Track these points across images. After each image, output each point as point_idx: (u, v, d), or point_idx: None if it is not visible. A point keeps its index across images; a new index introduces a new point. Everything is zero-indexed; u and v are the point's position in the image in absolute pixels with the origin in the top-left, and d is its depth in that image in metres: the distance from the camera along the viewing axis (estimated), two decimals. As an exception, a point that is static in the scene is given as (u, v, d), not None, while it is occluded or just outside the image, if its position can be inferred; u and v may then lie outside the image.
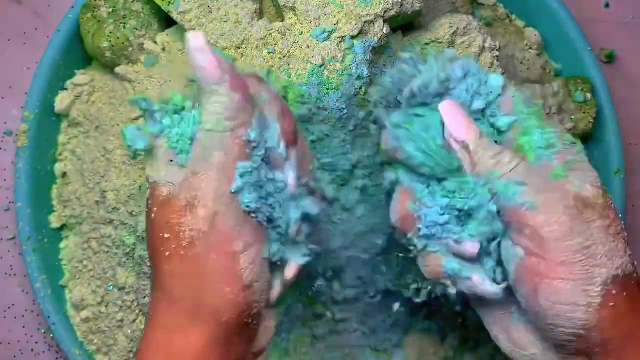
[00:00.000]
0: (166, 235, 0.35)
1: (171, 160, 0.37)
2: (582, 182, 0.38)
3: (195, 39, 0.35)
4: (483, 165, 0.38)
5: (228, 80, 0.36)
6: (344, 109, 0.48)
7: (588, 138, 0.61)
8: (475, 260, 0.39)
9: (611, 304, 0.36)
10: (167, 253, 0.35)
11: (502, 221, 0.38)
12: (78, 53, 0.57)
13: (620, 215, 0.39)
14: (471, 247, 0.38)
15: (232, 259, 0.35)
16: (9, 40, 0.61)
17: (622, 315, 0.36)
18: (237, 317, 0.35)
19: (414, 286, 0.45)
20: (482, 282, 0.39)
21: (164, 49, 0.53)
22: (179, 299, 0.35)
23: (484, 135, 0.39)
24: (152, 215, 0.36)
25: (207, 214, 0.35)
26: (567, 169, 0.39)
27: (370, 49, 0.49)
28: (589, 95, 0.60)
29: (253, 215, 0.36)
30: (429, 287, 0.43)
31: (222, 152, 0.36)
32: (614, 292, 0.36)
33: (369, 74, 0.49)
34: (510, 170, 0.38)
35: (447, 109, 0.40)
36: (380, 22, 0.49)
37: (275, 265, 0.39)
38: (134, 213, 0.53)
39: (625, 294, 0.36)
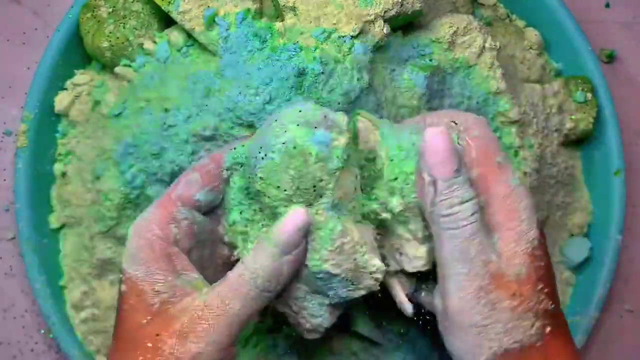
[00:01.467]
0: (148, 344, 0.38)
1: (171, 268, 0.41)
2: (513, 254, 0.40)
3: (298, 217, 0.40)
4: (438, 212, 0.39)
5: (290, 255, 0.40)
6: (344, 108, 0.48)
7: (588, 138, 0.61)
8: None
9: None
10: (141, 358, 0.38)
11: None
12: (78, 53, 0.57)
13: (545, 289, 0.40)
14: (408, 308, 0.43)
15: None
16: (8, 40, 0.61)
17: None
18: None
19: None
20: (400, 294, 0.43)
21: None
22: None
23: (462, 176, 0.39)
24: (143, 319, 0.39)
25: (193, 351, 0.38)
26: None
27: (371, 49, 0.49)
28: (589, 95, 0.60)
29: None
30: None
31: (242, 307, 0.39)
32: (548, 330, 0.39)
33: (369, 74, 0.49)
34: (460, 228, 0.39)
35: (434, 135, 0.39)
36: (380, 22, 0.49)
37: None
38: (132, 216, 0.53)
39: None
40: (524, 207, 0.40)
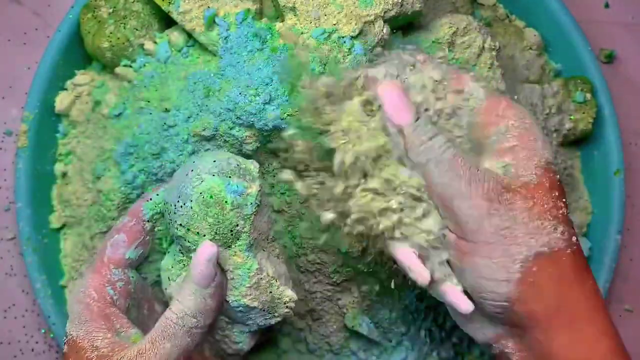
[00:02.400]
0: None
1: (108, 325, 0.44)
2: (516, 168, 0.40)
3: (206, 251, 0.41)
4: (414, 151, 0.40)
5: (212, 289, 0.42)
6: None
7: (588, 138, 0.61)
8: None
9: (530, 279, 0.38)
10: None
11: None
12: (78, 53, 0.57)
13: (561, 194, 0.40)
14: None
15: None
16: (9, 40, 0.61)
17: (547, 290, 0.38)
18: None
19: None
20: (456, 295, 0.41)
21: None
22: None
23: (421, 118, 0.40)
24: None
25: None
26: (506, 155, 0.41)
27: (370, 49, 0.49)
28: (588, 96, 0.60)
29: None
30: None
31: (173, 347, 0.41)
32: (534, 269, 0.38)
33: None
34: (441, 154, 0.39)
35: (386, 90, 0.40)
36: (380, 22, 0.49)
37: None
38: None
39: (550, 270, 0.38)
40: (538, 134, 0.41)
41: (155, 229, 0.48)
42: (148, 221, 0.47)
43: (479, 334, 0.42)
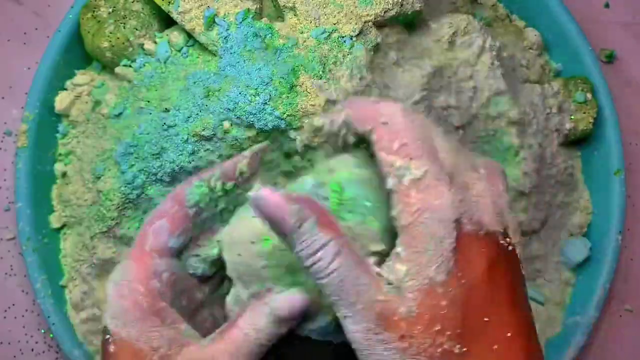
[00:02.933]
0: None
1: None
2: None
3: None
4: (304, 266, 0.37)
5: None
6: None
7: (588, 138, 0.61)
8: None
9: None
10: None
11: None
12: (78, 53, 0.57)
13: (446, 332, 0.36)
14: None
15: None
16: (9, 40, 0.61)
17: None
18: None
19: None
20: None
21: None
22: None
23: (307, 222, 0.37)
24: None
25: None
26: None
27: (370, 49, 0.49)
28: (589, 96, 0.60)
29: None
30: None
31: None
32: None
33: (370, 75, 0.49)
34: (326, 277, 0.37)
35: (259, 202, 0.37)
36: (380, 22, 0.49)
37: None
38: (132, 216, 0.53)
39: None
40: (431, 236, 0.36)
41: (201, 215, 0.44)
42: (191, 207, 0.44)
43: None
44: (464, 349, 0.36)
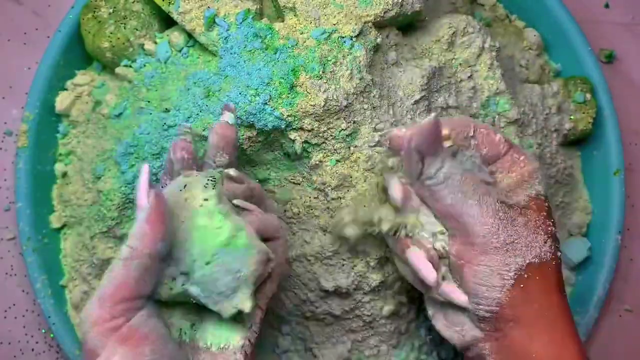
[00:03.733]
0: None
1: None
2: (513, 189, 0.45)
3: (142, 171, 0.40)
4: (426, 176, 0.44)
5: (147, 214, 0.39)
6: (344, 108, 0.48)
7: (588, 138, 0.61)
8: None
9: (521, 285, 0.43)
10: None
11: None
12: (78, 53, 0.57)
13: (549, 216, 0.45)
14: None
15: None
16: (9, 40, 0.61)
17: (533, 296, 0.43)
18: None
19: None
20: (453, 290, 0.45)
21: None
22: None
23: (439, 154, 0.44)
24: None
25: (82, 333, 0.39)
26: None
27: (370, 49, 0.49)
28: (588, 96, 0.60)
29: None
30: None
31: (108, 280, 0.39)
32: (526, 276, 0.43)
33: (369, 75, 0.49)
34: (451, 177, 0.43)
35: (426, 122, 0.43)
36: (380, 22, 0.49)
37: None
38: (132, 217, 0.53)
39: (538, 277, 0.43)
40: (533, 169, 0.45)
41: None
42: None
43: (457, 337, 0.45)
44: (557, 233, 0.46)
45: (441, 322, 0.46)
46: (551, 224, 0.45)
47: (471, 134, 0.46)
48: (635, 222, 0.64)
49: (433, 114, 0.42)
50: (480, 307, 0.43)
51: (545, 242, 0.43)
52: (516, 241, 0.43)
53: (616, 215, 0.60)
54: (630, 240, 0.64)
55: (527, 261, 0.43)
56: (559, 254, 0.44)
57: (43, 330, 0.59)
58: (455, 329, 0.45)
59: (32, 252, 0.56)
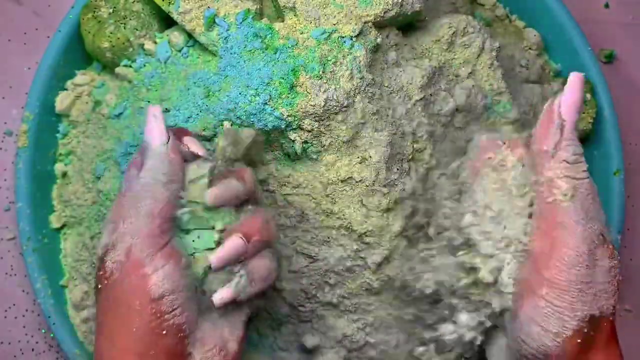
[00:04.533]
0: (100, 273, 0.41)
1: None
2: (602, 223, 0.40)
3: (154, 108, 0.42)
4: (560, 157, 0.40)
5: (169, 146, 0.42)
6: (344, 108, 0.48)
7: (588, 138, 0.61)
8: None
9: (578, 340, 0.37)
10: (99, 286, 0.41)
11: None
12: (78, 53, 0.57)
13: (618, 263, 0.40)
14: None
15: (142, 279, 0.39)
16: (9, 40, 0.61)
17: (585, 352, 0.38)
18: (146, 326, 0.39)
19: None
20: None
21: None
22: (102, 325, 0.41)
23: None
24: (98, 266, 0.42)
25: (126, 246, 0.40)
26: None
27: (370, 49, 0.49)
28: (588, 96, 0.60)
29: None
30: None
31: (152, 200, 0.41)
32: (585, 330, 0.38)
33: (370, 75, 0.49)
34: (582, 178, 0.40)
35: (575, 81, 0.41)
36: (380, 22, 0.49)
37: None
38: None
39: (593, 333, 0.38)
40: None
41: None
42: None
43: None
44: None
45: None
46: (618, 273, 0.40)
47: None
48: (635, 222, 0.64)
49: (577, 73, 0.39)
50: (525, 347, 0.39)
51: (613, 295, 0.39)
52: (591, 284, 0.37)
53: (616, 215, 0.60)
54: (631, 240, 0.64)
55: (592, 312, 0.38)
56: (617, 306, 0.40)
57: (43, 330, 0.59)
58: None
59: (32, 252, 0.56)
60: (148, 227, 0.40)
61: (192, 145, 0.44)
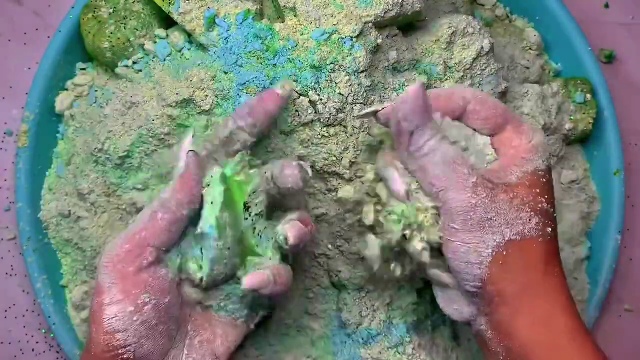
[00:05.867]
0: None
1: None
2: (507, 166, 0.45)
3: (186, 141, 0.44)
4: (415, 147, 0.43)
5: (180, 177, 0.43)
6: (343, 109, 0.48)
7: (588, 138, 0.61)
8: None
9: (500, 262, 0.42)
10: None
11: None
12: (78, 53, 0.57)
13: (543, 192, 0.44)
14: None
15: (99, 307, 0.42)
16: (9, 40, 0.61)
17: (514, 272, 0.43)
18: (102, 354, 0.42)
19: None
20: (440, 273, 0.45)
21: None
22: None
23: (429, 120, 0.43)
24: None
25: (102, 262, 0.42)
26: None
27: (370, 49, 0.49)
28: (588, 96, 0.60)
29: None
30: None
31: (141, 223, 0.42)
32: (504, 252, 0.42)
33: (370, 75, 0.49)
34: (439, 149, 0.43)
35: (412, 92, 0.43)
36: (374, 32, 0.49)
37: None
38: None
39: (519, 254, 0.43)
40: (537, 141, 0.45)
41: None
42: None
43: (456, 314, 0.46)
44: (553, 211, 0.44)
45: (442, 300, 0.46)
46: (544, 200, 0.44)
47: (461, 102, 0.45)
48: (635, 222, 0.64)
49: (418, 82, 0.42)
50: (465, 283, 0.43)
51: (530, 219, 0.43)
52: (494, 218, 0.42)
53: (616, 215, 0.60)
54: (631, 240, 0.64)
55: (507, 238, 0.42)
56: (548, 229, 0.44)
57: (43, 330, 0.59)
58: (454, 307, 0.46)
59: (32, 252, 0.56)
60: (122, 249, 0.42)
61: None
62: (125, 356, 0.41)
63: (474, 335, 0.46)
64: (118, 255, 0.42)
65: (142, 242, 0.42)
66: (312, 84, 0.48)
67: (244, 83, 0.48)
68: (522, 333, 0.42)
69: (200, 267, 0.44)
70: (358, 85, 0.48)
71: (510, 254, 0.42)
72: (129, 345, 0.42)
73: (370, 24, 0.49)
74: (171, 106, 0.50)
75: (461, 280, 0.43)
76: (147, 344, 0.42)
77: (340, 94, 0.48)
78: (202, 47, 0.51)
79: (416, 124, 0.42)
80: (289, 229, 0.44)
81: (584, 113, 0.60)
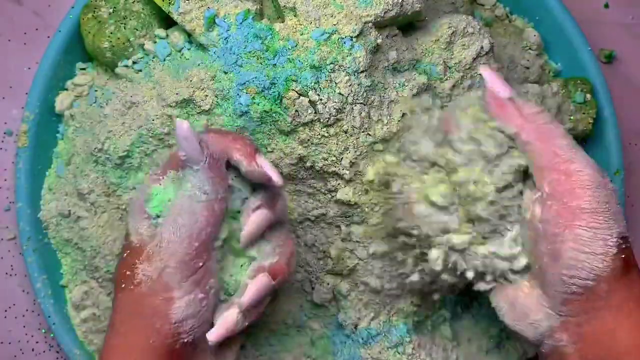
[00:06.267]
0: (127, 273, 0.42)
1: (146, 217, 0.43)
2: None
3: (181, 128, 0.41)
4: (528, 113, 0.41)
5: (207, 163, 0.42)
6: (343, 109, 0.48)
7: (588, 138, 0.61)
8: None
9: (622, 256, 0.38)
10: (123, 285, 0.42)
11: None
12: (78, 53, 0.57)
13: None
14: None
15: (167, 302, 0.41)
16: (9, 40, 0.61)
17: (625, 272, 0.38)
18: (162, 342, 0.42)
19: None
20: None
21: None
22: (120, 323, 0.43)
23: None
24: (124, 255, 0.43)
25: (159, 266, 0.41)
26: None
27: (370, 50, 0.49)
28: (588, 96, 0.60)
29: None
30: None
31: (191, 222, 0.41)
32: (623, 246, 0.38)
33: (370, 75, 0.49)
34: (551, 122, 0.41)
35: (489, 74, 0.43)
36: (374, 32, 0.49)
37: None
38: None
39: (622, 251, 0.38)
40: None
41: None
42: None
43: (530, 330, 0.41)
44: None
45: (513, 316, 0.42)
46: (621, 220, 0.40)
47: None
48: (635, 222, 0.64)
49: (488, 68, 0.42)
50: (575, 280, 0.37)
51: (623, 221, 0.39)
52: (611, 203, 0.38)
53: (616, 216, 0.60)
54: (631, 240, 0.64)
55: (620, 230, 0.38)
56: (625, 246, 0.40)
57: (43, 330, 0.59)
58: (528, 322, 0.40)
59: (32, 252, 0.56)
60: (184, 251, 0.41)
61: (266, 166, 0.43)
62: (186, 340, 0.42)
63: (544, 356, 0.41)
64: (189, 254, 0.41)
65: (208, 237, 0.42)
66: (312, 84, 0.48)
67: (244, 83, 0.48)
68: (623, 341, 0.38)
69: None
70: (358, 85, 0.48)
71: (628, 249, 0.39)
72: (195, 329, 0.42)
73: (370, 24, 0.49)
74: (171, 106, 0.50)
75: (572, 276, 0.38)
76: (204, 325, 0.43)
77: (340, 94, 0.48)
78: (202, 47, 0.51)
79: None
80: (249, 284, 0.44)
81: (584, 113, 0.60)
